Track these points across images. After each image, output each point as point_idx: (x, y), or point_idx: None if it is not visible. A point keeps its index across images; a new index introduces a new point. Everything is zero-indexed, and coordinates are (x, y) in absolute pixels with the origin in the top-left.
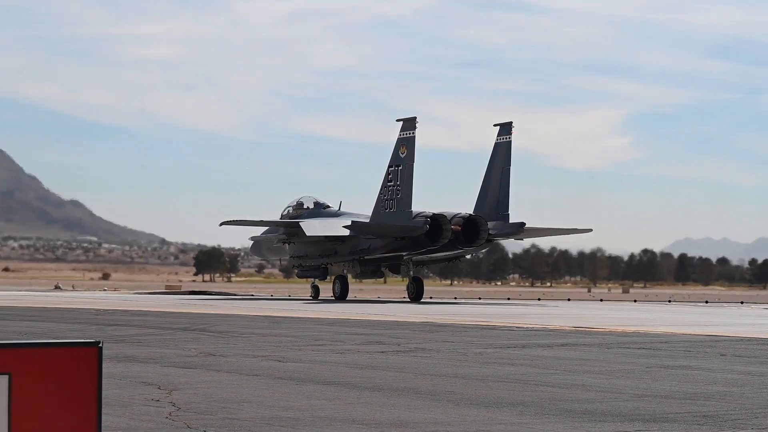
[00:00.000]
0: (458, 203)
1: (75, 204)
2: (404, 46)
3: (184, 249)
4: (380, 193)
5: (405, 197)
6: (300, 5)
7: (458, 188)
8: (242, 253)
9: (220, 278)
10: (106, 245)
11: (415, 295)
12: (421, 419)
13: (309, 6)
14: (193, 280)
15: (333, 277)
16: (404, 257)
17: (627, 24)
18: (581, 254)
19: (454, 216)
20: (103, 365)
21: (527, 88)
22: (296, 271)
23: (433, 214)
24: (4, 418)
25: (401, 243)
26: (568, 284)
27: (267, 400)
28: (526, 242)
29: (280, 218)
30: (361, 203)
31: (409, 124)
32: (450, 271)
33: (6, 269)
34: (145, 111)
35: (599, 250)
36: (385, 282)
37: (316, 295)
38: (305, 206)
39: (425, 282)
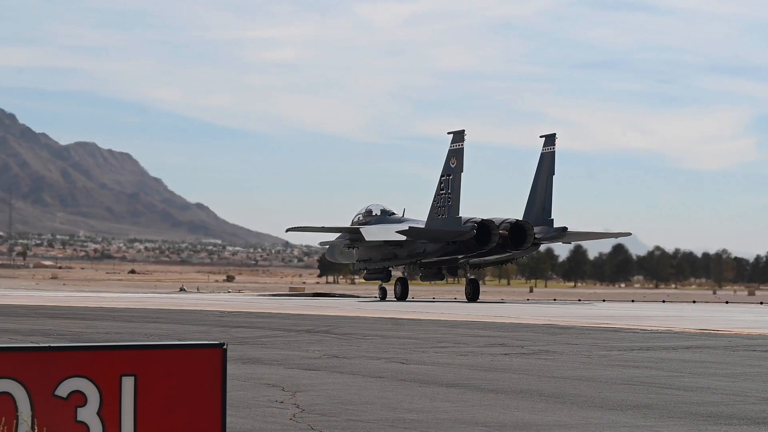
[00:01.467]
0: (583, 203)
1: (200, 207)
2: (526, 47)
3: (307, 251)
4: (434, 200)
5: (455, 204)
6: (422, 7)
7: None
8: None
9: (344, 280)
10: (230, 248)
11: (472, 295)
12: (545, 422)
13: (431, 8)
14: (317, 282)
15: (395, 279)
16: (459, 260)
17: (753, 23)
18: (706, 256)
19: (503, 221)
20: (228, 367)
21: (652, 89)
22: (363, 273)
23: (482, 220)
24: (130, 418)
25: (453, 247)
26: (693, 286)
27: (390, 402)
28: (650, 244)
29: (351, 224)
30: (480, 205)
31: (459, 136)
32: (573, 272)
33: (132, 271)
34: (268, 114)
35: (725, 251)
36: (438, 283)
37: (383, 296)
38: (373, 213)
39: (552, 283)
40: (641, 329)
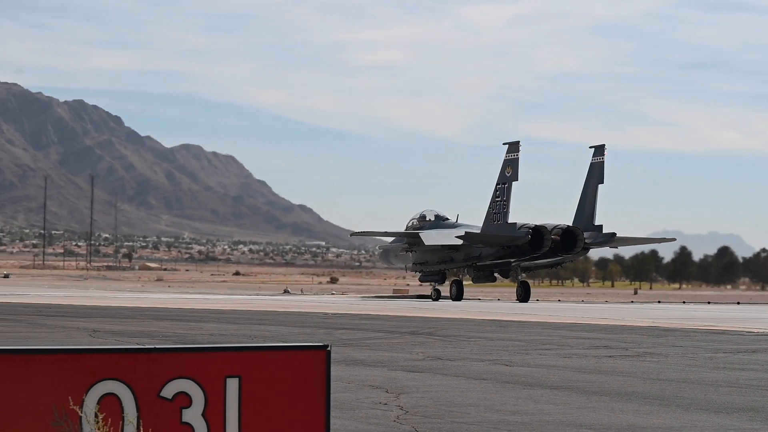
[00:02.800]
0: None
1: (303, 209)
2: (629, 48)
3: None
4: (489, 206)
5: (508, 211)
6: (524, 9)
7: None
8: None
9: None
10: (334, 249)
11: (523, 296)
12: (650, 424)
13: (534, 9)
14: (421, 284)
15: (450, 281)
16: (512, 263)
17: None
18: None
19: (555, 227)
20: (332, 368)
21: (757, 90)
22: (418, 275)
23: (535, 225)
24: (235, 420)
25: (507, 251)
26: None
27: (494, 404)
28: (756, 246)
29: (405, 229)
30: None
31: (514, 147)
32: (677, 274)
33: (237, 273)
34: (372, 116)
35: None
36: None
37: (437, 297)
38: (427, 218)
39: (657, 285)
40: (747, 331)
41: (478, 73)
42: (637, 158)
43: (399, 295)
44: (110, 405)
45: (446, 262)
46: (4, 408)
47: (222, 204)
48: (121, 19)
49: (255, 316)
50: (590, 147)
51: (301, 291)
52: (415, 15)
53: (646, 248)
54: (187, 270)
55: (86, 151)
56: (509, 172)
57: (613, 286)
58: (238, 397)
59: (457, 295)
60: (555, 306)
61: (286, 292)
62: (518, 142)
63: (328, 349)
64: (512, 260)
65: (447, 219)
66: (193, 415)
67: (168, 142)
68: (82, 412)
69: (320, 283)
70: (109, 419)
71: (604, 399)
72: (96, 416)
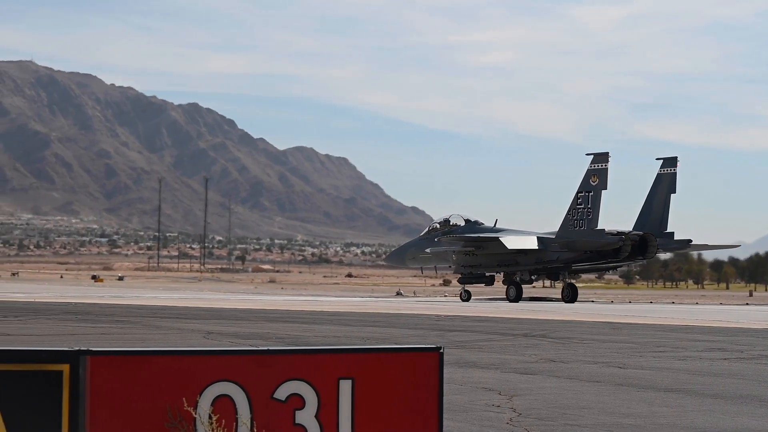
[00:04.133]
0: None
1: (415, 211)
2: (744, 49)
3: None
4: (568, 213)
5: (595, 218)
6: (637, 9)
7: None
8: None
9: (560, 284)
10: None
11: (571, 297)
12: (766, 428)
13: (646, 10)
14: (533, 286)
15: (507, 283)
16: (586, 267)
17: None
18: None
19: (629, 233)
20: (444, 370)
21: None
22: (459, 276)
23: (617, 231)
24: (348, 421)
25: (587, 255)
26: None
27: (608, 406)
28: None
29: (427, 233)
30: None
31: (602, 158)
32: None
33: (349, 275)
34: (483, 117)
35: None
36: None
37: (467, 298)
38: (452, 223)
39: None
40: None
41: (590, 74)
42: (753, 159)
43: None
44: (224, 406)
45: (508, 264)
46: (120, 409)
47: (335, 206)
48: (234, 22)
49: (368, 319)
50: (657, 158)
51: (414, 293)
52: (526, 16)
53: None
54: (299, 272)
55: (200, 154)
56: (595, 181)
57: (728, 288)
58: (351, 398)
59: (516, 297)
60: (670, 308)
61: (398, 294)
62: (607, 153)
63: (441, 351)
64: (586, 264)
65: (482, 224)
66: (306, 416)
67: (281, 144)
68: (196, 414)
69: (433, 285)
70: (223, 421)
71: (719, 402)
72: (210, 417)
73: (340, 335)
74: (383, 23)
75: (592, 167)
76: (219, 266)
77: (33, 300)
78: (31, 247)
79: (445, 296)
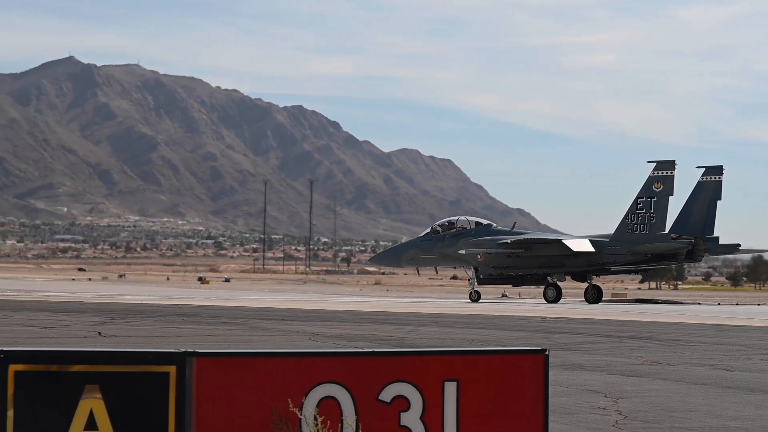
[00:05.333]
0: None
1: (521, 212)
2: None
3: None
4: (626, 217)
5: (659, 222)
6: (744, 9)
7: None
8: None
9: (666, 286)
10: None
11: (595, 298)
12: None
13: (752, 9)
14: (638, 288)
15: (546, 284)
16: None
17: None
18: None
19: (679, 237)
20: (550, 373)
21: None
22: (482, 276)
23: (680, 236)
24: (453, 423)
25: (644, 258)
26: None
27: (715, 409)
28: None
29: (431, 234)
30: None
31: (667, 165)
32: None
33: (454, 277)
34: (588, 119)
35: None
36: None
37: (477, 298)
38: (460, 226)
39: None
40: None
41: (696, 75)
42: None
43: (617, 299)
44: (329, 408)
45: (552, 266)
46: (225, 410)
47: (439, 208)
48: (338, 25)
49: (473, 320)
50: (698, 167)
51: (519, 295)
52: (630, 17)
53: None
54: (405, 274)
55: (305, 156)
56: (659, 187)
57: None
58: (456, 400)
59: (557, 298)
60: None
61: (503, 296)
62: (673, 161)
63: (547, 353)
64: (641, 267)
65: (494, 225)
66: (411, 418)
67: (386, 146)
68: (301, 415)
69: (539, 286)
70: (328, 422)
71: None
72: (315, 419)
73: (444, 337)
74: (488, 24)
75: (655, 174)
76: (324, 268)
77: (140, 302)
78: (138, 249)
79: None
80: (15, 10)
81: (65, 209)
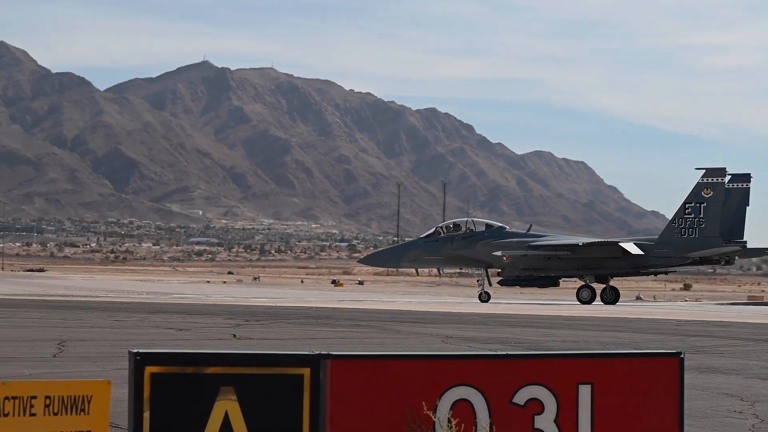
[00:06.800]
0: None
1: (655, 215)
2: None
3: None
4: (672, 221)
5: (711, 227)
6: None
7: None
8: None
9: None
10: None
11: (612, 299)
12: None
13: None
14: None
15: (580, 286)
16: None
17: None
18: None
19: (730, 242)
20: (685, 376)
21: None
22: (508, 278)
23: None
24: (587, 427)
25: (691, 261)
26: None
27: None
28: None
29: (435, 236)
30: None
31: (717, 172)
32: None
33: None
34: (722, 120)
35: None
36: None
37: (487, 299)
38: (468, 228)
39: None
40: None
41: None
42: None
43: (754, 302)
44: (463, 411)
45: (592, 268)
46: (359, 412)
47: (573, 210)
48: (470, 27)
49: (607, 323)
50: (728, 173)
51: (654, 298)
52: (764, 17)
53: None
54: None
55: (438, 159)
56: (709, 193)
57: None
58: (591, 404)
59: (590, 299)
60: None
61: (638, 299)
62: (724, 168)
63: (682, 356)
64: (677, 268)
65: (506, 228)
66: (545, 421)
67: (519, 149)
68: (435, 418)
69: (673, 289)
70: (462, 425)
71: None
72: (449, 422)
73: (578, 340)
74: (621, 26)
75: (703, 180)
76: (457, 271)
77: (274, 304)
78: (273, 251)
79: (686, 301)
80: (151, 16)
81: (200, 212)
